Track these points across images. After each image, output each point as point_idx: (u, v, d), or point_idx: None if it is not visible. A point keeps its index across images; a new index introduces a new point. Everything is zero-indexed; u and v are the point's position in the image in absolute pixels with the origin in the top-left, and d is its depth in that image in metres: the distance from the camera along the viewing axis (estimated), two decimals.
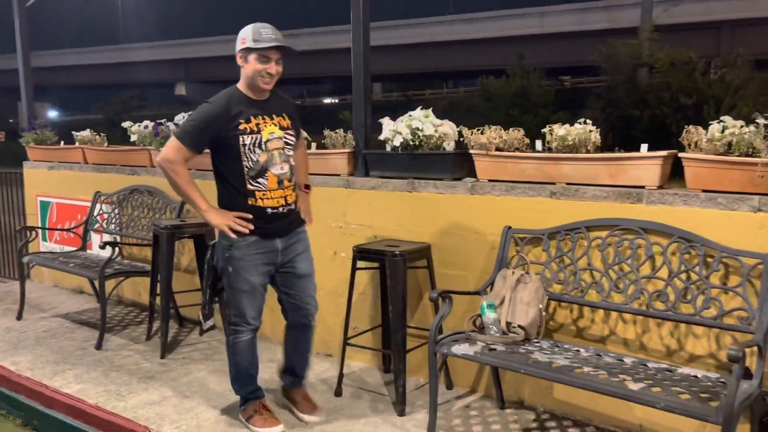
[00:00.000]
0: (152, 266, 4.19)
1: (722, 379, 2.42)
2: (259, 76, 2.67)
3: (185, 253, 4.68)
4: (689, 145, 2.76)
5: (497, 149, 3.27)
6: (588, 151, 2.99)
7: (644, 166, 2.82)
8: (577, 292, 2.93)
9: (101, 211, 5.10)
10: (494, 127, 3.39)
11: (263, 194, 2.71)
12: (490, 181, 3.31)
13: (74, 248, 5.17)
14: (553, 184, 3.08)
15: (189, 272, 4.65)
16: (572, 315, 3.04)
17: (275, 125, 2.75)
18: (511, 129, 3.34)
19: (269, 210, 2.74)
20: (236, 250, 2.73)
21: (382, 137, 3.63)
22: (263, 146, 2.69)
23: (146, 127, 4.82)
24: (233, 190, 2.72)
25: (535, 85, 14.92)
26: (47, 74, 38.70)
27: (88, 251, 5.08)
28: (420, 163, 3.52)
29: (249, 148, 2.66)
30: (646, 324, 2.84)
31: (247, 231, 2.69)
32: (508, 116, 13.92)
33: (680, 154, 2.73)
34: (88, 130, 5.44)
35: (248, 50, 2.65)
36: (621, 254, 2.84)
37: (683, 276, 2.68)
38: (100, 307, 4.17)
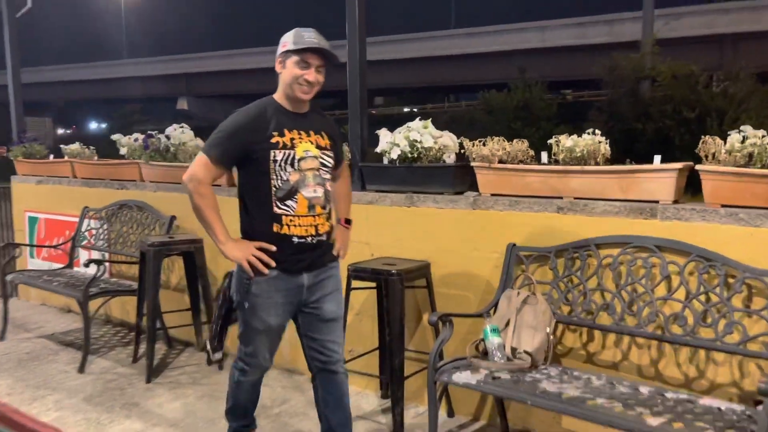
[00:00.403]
0: (139, 285, 4.00)
1: (748, 412, 2.21)
2: (297, 83, 2.34)
3: (175, 270, 4.49)
4: (706, 156, 2.58)
5: (500, 162, 3.09)
6: (597, 164, 2.81)
7: (658, 179, 2.64)
8: (586, 314, 2.74)
9: (89, 227, 4.92)
10: (497, 138, 3.21)
11: (291, 220, 2.35)
12: (492, 195, 3.13)
13: (62, 265, 4.98)
14: (560, 198, 2.90)
15: (179, 290, 4.45)
16: (582, 339, 2.84)
17: (311, 143, 2.40)
18: (514, 140, 3.16)
19: (295, 239, 2.37)
20: (255, 285, 2.39)
21: (378, 149, 3.45)
22: (296, 164, 2.35)
23: (136, 139, 4.66)
24: (257, 213, 2.38)
25: (537, 99, 14.84)
26: (48, 89, 38.81)
27: (75, 268, 4.89)
28: (419, 176, 3.34)
29: (280, 165, 2.32)
30: (662, 349, 2.63)
31: (266, 271, 2.35)
32: (510, 129, 13.81)
33: (697, 167, 2.54)
34: (77, 143, 5.27)
35: (287, 53, 2.34)
36: (634, 274, 2.65)
37: (702, 298, 2.48)
38: (84, 329, 3.97)
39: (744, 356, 2.42)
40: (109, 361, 4.15)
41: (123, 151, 4.75)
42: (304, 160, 2.37)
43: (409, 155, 3.34)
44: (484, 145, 3.19)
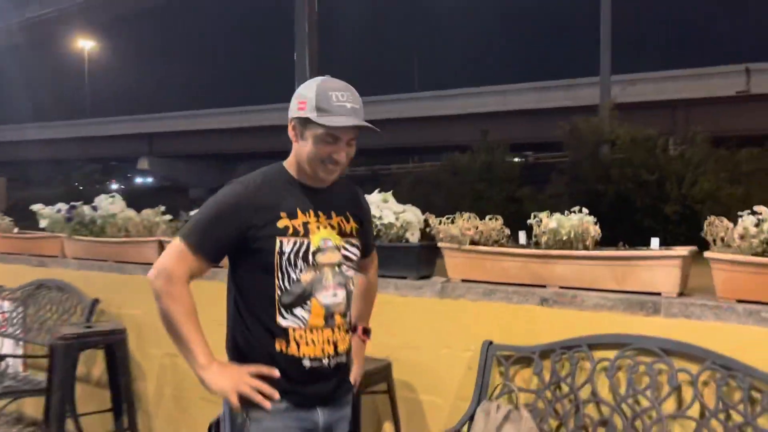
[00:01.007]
0: (48, 384, 3.37)
1: None
2: (320, 163, 1.71)
3: (97, 362, 3.86)
4: (714, 240, 2.19)
5: (472, 242, 2.66)
6: (586, 247, 2.40)
7: (659, 267, 2.23)
8: (580, 431, 2.26)
9: (2, 310, 4.28)
10: (467, 215, 2.79)
11: (301, 335, 1.72)
12: (463, 281, 2.68)
13: None
14: (544, 287, 2.47)
15: (101, 386, 3.82)
16: None
17: (332, 228, 1.78)
18: (488, 217, 2.75)
19: (307, 362, 1.72)
20: (254, 425, 1.70)
21: None
22: (310, 258, 1.72)
23: (59, 210, 4.11)
24: (254, 324, 1.74)
25: (500, 161, 14.86)
26: (7, 149, 37.70)
27: None
28: (378, 257, 2.88)
29: (288, 259, 1.70)
30: None
31: (267, 404, 1.68)
32: (474, 191, 13.70)
33: (707, 254, 2.15)
34: None
35: (307, 122, 1.69)
36: (636, 383, 2.19)
37: (722, 416, 2.03)
38: None
39: None
40: None
41: (43, 223, 4.19)
42: (321, 252, 1.74)
43: None
44: (452, 222, 2.77)
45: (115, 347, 3.37)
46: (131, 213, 3.95)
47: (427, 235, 2.90)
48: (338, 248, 1.77)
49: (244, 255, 1.72)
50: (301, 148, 1.73)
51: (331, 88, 1.69)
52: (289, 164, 1.80)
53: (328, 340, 1.75)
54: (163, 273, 1.69)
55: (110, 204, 3.99)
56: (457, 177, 15.09)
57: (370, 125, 1.72)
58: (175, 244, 1.72)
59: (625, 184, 11.87)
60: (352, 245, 1.82)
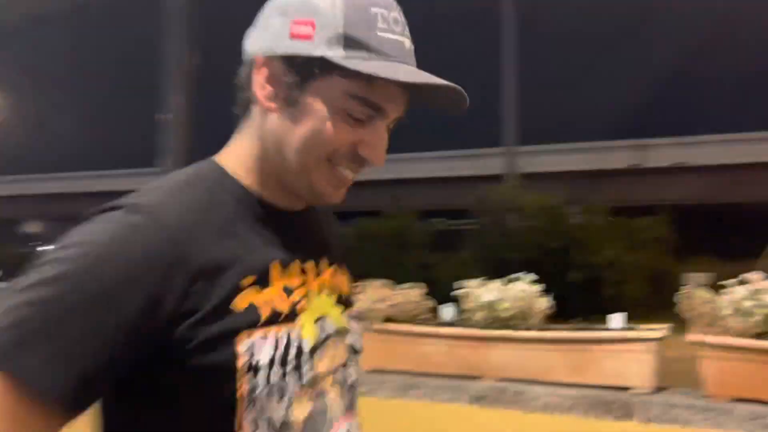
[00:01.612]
0: None
1: None
2: (325, 162, 0.81)
3: None
4: (692, 318, 1.72)
5: (387, 320, 2.06)
6: (531, 327, 1.86)
7: (628, 353, 1.75)
8: None
9: None
10: (379, 282, 2.21)
11: None
12: (373, 372, 2.07)
13: None
14: (478, 378, 1.89)
15: None
16: None
17: (327, 292, 0.87)
18: (406, 286, 2.17)
19: None
20: None
21: None
22: (305, 369, 0.78)
23: None
24: None
25: (410, 227, 14.84)
26: None
27: None
28: None
29: (267, 380, 0.74)
30: None
31: None
32: (385, 258, 13.46)
33: (692, 338, 1.67)
34: None
35: (318, 67, 0.77)
36: None
37: None
38: None
39: None
40: None
41: None
42: (324, 347, 0.83)
43: None
44: (360, 292, 2.16)
45: None
46: None
47: None
48: (341, 334, 0.88)
49: (160, 386, 0.74)
50: (289, 127, 0.79)
51: (371, 2, 0.78)
52: (236, 163, 0.84)
53: None
54: None
55: None
56: (366, 242, 14.84)
57: (456, 86, 0.80)
58: None
59: (531, 252, 12.06)
60: (355, 320, 0.95)
